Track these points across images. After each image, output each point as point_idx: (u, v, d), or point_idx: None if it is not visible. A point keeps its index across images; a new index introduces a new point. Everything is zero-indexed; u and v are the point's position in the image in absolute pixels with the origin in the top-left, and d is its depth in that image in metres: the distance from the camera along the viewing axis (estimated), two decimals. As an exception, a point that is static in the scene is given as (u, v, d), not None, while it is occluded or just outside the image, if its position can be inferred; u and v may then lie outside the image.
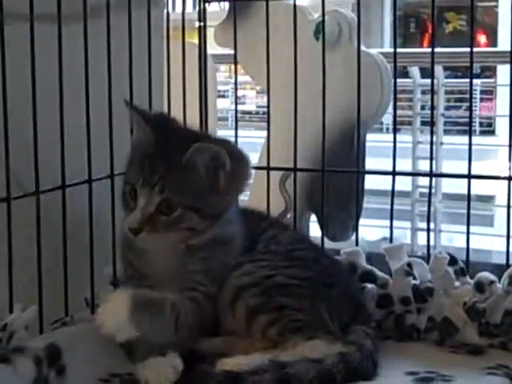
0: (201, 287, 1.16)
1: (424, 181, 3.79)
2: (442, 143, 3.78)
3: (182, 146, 1.15)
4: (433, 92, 1.55)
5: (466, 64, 3.23)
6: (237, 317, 1.15)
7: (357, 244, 1.44)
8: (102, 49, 1.30)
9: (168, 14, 1.57)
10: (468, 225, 1.38)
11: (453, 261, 1.32)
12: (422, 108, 4.09)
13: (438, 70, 3.75)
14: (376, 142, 3.55)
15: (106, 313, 1.08)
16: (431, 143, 1.49)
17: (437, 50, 1.44)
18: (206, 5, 1.66)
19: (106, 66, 1.31)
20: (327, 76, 1.47)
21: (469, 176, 1.37)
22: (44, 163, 1.17)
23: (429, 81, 4.18)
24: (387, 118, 4.31)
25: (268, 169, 1.52)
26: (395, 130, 1.47)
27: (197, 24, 1.74)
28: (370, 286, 1.34)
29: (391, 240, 1.42)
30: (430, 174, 1.43)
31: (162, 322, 1.10)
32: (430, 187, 1.47)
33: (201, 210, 1.16)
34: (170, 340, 1.10)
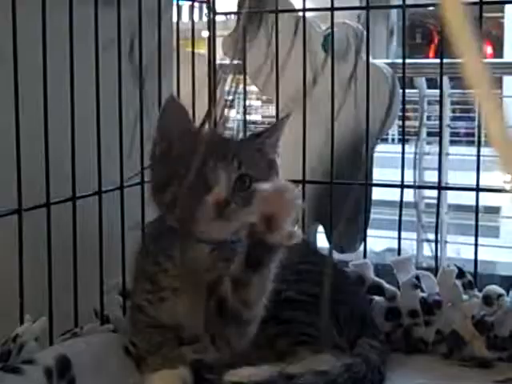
0: None
1: (429, 191, 3.79)
2: (447, 154, 3.77)
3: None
4: (441, 103, 1.55)
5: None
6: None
7: (365, 256, 1.44)
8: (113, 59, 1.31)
9: (178, 23, 1.55)
10: (476, 238, 1.38)
11: (461, 274, 1.32)
12: (428, 119, 4.08)
13: (444, 80, 3.74)
14: (381, 152, 3.55)
15: None
16: (440, 155, 1.50)
17: (444, 60, 1.44)
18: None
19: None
20: (335, 88, 1.47)
21: (477, 189, 1.37)
22: (55, 174, 1.17)
23: (435, 91, 4.19)
24: (392, 129, 4.30)
25: (276, 181, 1.51)
26: (403, 142, 1.47)
27: (203, 34, 1.74)
28: (377, 298, 1.34)
29: (399, 252, 1.42)
30: (439, 187, 1.43)
31: None
32: (439, 200, 1.47)
33: None
34: None
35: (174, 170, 1.12)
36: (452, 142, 4.19)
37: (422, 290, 1.33)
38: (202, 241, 1.14)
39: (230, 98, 1.02)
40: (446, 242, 3.69)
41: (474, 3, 1.38)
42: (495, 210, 4.82)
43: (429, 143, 3.93)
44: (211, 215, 1.10)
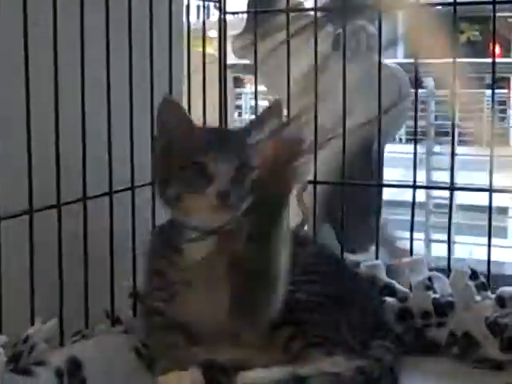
0: None
1: (438, 192, 3.78)
2: (455, 154, 3.77)
3: None
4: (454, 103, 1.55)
5: (480, 75, 3.23)
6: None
7: (377, 257, 1.43)
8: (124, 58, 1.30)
9: (189, 22, 1.53)
10: (489, 239, 1.37)
11: (474, 275, 1.31)
12: (435, 119, 4.08)
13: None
14: (390, 152, 3.55)
15: None
16: (452, 155, 1.49)
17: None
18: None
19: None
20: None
21: (490, 190, 1.36)
22: (65, 175, 1.16)
23: (443, 91, 4.19)
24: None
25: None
26: (416, 142, 1.47)
27: (210, 34, 1.73)
28: (389, 299, 1.33)
29: (411, 253, 1.42)
30: (451, 188, 1.42)
31: None
32: (451, 200, 1.46)
33: None
34: None
35: (176, 164, 1.15)
36: (459, 142, 4.19)
37: (435, 291, 1.32)
38: (200, 230, 1.13)
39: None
40: (454, 242, 3.69)
41: (487, 2, 1.38)
42: (503, 211, 4.82)
43: (438, 143, 3.92)
44: (212, 206, 1.11)
